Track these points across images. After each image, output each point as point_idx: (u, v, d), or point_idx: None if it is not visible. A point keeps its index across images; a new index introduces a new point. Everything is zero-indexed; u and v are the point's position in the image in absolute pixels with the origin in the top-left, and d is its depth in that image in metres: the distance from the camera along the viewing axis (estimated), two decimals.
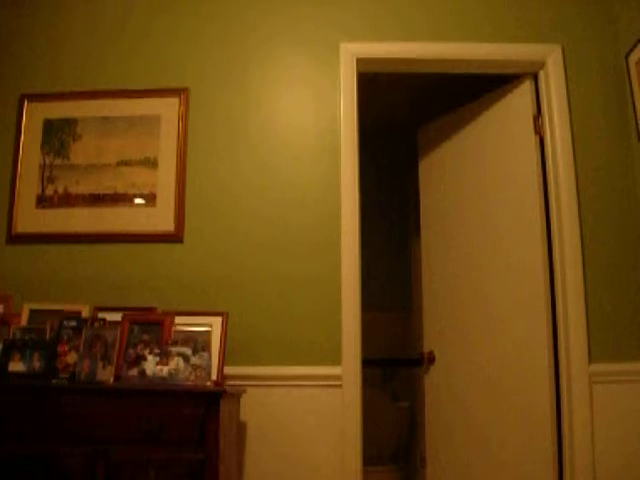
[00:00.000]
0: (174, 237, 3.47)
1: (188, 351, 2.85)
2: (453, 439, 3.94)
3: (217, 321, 3.09)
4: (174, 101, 3.62)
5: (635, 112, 3.38)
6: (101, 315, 3.14)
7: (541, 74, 3.66)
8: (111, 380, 2.84)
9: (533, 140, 3.65)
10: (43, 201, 3.56)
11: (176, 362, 2.82)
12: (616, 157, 3.49)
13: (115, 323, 3.02)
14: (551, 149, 3.54)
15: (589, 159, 3.49)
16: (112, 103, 3.65)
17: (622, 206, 3.45)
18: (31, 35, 3.82)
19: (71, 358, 2.91)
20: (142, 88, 3.68)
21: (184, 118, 3.60)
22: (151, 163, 3.54)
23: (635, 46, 3.35)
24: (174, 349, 2.85)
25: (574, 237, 3.40)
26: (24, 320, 3.18)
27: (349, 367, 3.32)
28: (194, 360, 2.83)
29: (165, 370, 2.81)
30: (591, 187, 3.46)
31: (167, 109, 3.62)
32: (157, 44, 3.75)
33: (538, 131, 3.64)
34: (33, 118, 3.67)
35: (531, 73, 3.72)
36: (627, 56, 3.44)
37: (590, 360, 3.29)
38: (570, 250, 3.39)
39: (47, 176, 3.59)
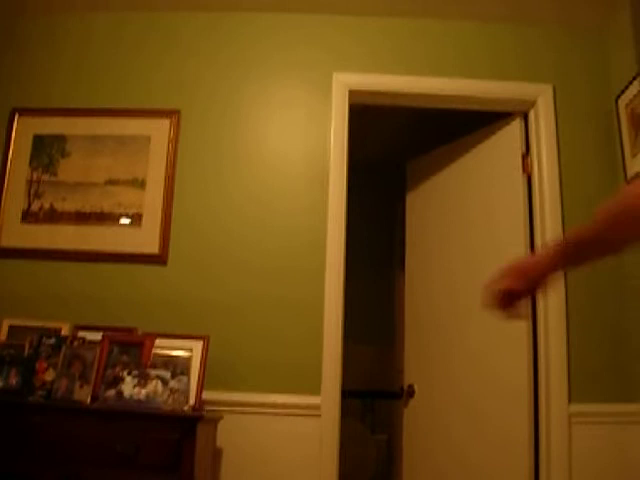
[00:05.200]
0: (158, 258, 3.45)
1: (167, 374, 2.82)
2: (431, 473, 3.92)
3: (198, 345, 3.07)
4: (165, 123, 3.62)
5: (623, 155, 3.40)
6: (81, 334, 3.11)
7: (531, 113, 3.68)
8: (88, 400, 2.82)
9: (521, 179, 3.66)
10: (29, 216, 3.54)
11: (154, 385, 2.80)
12: (604, 198, 3.51)
13: (95, 342, 2.99)
14: (539, 188, 3.55)
15: (577, 200, 3.51)
16: (103, 122, 3.65)
17: None
18: (24, 50, 3.82)
19: (48, 376, 2.88)
20: (133, 108, 3.67)
21: (174, 140, 3.60)
22: (139, 184, 3.53)
23: (625, 89, 3.38)
24: (153, 372, 2.83)
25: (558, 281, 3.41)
26: (3, 335, 3.16)
27: (328, 397, 3.30)
28: (173, 384, 2.81)
29: (143, 393, 2.78)
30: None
31: (157, 130, 3.62)
32: (149, 65, 3.76)
33: (526, 170, 3.66)
34: (23, 133, 3.66)
35: (521, 112, 3.74)
36: (617, 99, 3.47)
37: (570, 400, 3.28)
38: (553, 292, 3.40)
39: (34, 191, 3.57)
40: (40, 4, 3.81)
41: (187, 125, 3.65)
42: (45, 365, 2.91)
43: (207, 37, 3.80)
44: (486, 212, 3.87)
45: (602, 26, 3.73)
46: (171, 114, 3.63)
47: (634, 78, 3.30)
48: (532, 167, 3.62)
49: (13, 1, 3.80)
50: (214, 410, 3.22)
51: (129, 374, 2.83)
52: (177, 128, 3.62)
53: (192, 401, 2.92)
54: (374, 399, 6.21)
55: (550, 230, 3.46)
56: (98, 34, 3.83)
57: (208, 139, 3.64)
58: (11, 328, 3.20)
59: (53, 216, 3.53)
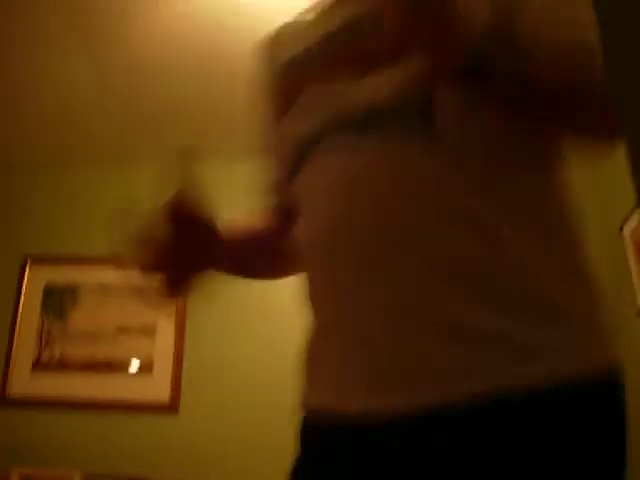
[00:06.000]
0: (169, 407, 3.41)
1: None
2: None
3: None
4: None
5: (632, 283, 3.38)
6: None
7: None
8: None
9: None
10: (39, 365, 3.55)
11: None
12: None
13: None
14: None
15: None
16: (113, 270, 3.68)
17: None
18: (35, 200, 3.92)
19: None
20: None
21: None
22: (149, 331, 3.54)
23: (629, 217, 3.40)
24: None
25: None
26: None
27: None
28: None
29: None
30: None
31: None
32: None
33: None
34: (34, 281, 3.71)
35: None
36: (621, 228, 3.48)
37: None
38: None
39: (45, 340, 3.58)
40: (48, 156, 3.93)
41: None
42: None
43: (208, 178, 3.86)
44: None
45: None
46: None
47: (634, 208, 3.32)
48: None
49: (21, 154, 3.93)
50: None
51: None
52: None
53: None
54: None
55: None
56: (105, 184, 3.91)
57: (218, 283, 3.64)
58: (21, 477, 3.15)
59: (63, 365, 3.53)
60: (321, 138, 1.01)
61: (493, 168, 0.96)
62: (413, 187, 0.93)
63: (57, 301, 3.65)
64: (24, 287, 3.69)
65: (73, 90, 3.38)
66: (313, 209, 1.02)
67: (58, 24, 2.94)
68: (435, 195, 0.93)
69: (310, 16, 1.23)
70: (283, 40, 1.25)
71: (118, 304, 3.61)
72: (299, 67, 1.12)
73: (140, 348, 3.52)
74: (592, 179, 3.81)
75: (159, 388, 3.45)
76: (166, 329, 3.55)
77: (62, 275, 3.71)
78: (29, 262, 3.75)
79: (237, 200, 3.57)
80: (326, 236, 0.98)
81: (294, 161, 1.07)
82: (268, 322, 3.57)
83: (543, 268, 0.94)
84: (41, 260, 3.76)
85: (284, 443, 3.35)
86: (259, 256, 1.33)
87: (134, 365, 3.50)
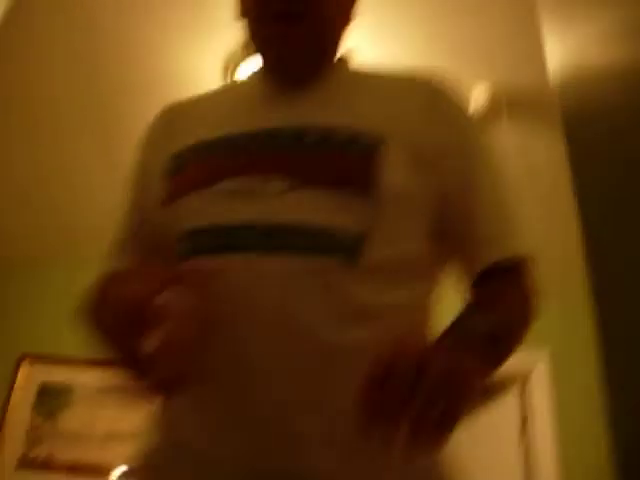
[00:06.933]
0: None
1: None
2: None
3: None
4: None
5: None
6: None
7: (528, 383, 3.72)
8: None
9: (517, 444, 3.63)
10: (25, 463, 3.49)
11: None
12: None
13: None
14: (536, 455, 3.53)
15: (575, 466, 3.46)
16: (108, 373, 3.67)
17: None
18: (34, 298, 3.96)
19: None
20: None
21: None
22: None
23: None
24: None
25: None
26: None
27: None
28: None
29: None
30: None
31: None
32: None
33: (524, 434, 3.64)
34: (29, 379, 3.70)
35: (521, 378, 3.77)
36: None
37: None
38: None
39: (33, 438, 3.54)
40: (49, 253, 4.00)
41: None
42: None
43: None
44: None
45: None
46: None
47: None
48: (528, 433, 3.61)
49: (22, 249, 3.99)
50: None
51: None
52: None
53: None
54: None
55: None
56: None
57: None
58: None
59: (49, 465, 3.48)
60: (241, 239, 0.97)
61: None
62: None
63: (50, 400, 3.63)
64: (18, 386, 3.67)
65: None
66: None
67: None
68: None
69: (220, 99, 1.20)
70: (188, 118, 1.17)
71: (111, 408, 3.58)
72: (219, 151, 1.06)
73: (129, 454, 3.46)
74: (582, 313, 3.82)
75: None
76: None
77: (57, 375, 3.70)
78: (27, 360, 3.74)
79: None
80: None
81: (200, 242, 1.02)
82: None
83: None
84: (37, 359, 3.75)
85: None
86: None
87: (120, 471, 3.45)
